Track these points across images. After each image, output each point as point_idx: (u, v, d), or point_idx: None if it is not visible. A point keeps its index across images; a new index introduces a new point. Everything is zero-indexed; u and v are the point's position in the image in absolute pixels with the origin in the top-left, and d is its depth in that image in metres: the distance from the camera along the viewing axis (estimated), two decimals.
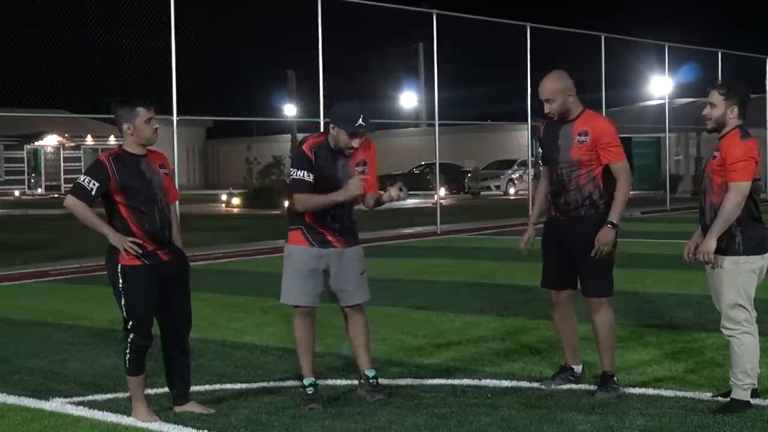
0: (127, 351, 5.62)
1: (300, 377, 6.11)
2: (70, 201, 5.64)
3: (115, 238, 5.59)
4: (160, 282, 5.64)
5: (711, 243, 5.53)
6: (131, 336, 5.60)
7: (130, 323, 5.59)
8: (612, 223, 5.93)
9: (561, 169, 6.06)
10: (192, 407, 5.83)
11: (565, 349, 6.38)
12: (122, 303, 5.60)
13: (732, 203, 5.49)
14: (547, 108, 6.08)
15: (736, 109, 5.65)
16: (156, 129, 5.74)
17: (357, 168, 6.00)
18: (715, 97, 5.67)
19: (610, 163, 5.99)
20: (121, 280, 5.59)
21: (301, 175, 5.91)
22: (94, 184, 5.59)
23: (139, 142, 5.69)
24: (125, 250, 5.54)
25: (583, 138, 6.00)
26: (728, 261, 5.58)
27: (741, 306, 5.57)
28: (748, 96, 5.73)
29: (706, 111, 5.71)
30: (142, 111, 5.66)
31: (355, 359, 6.20)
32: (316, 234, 5.99)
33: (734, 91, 5.69)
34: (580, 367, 6.34)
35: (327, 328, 8.62)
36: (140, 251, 5.57)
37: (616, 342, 6.30)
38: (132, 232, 5.61)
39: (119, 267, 5.59)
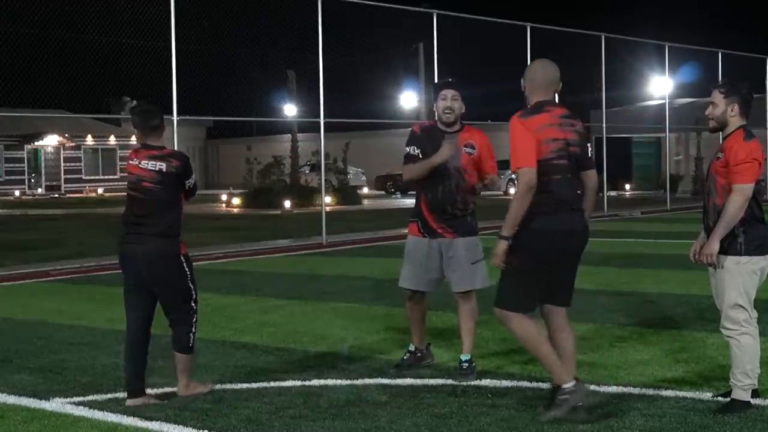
0: (195, 330, 6.19)
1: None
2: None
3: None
4: None
5: (714, 245, 5.53)
6: (198, 316, 6.20)
7: (196, 303, 6.18)
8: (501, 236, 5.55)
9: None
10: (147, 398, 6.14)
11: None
12: (192, 287, 6.12)
13: (735, 205, 5.49)
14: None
15: (736, 107, 5.64)
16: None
17: (465, 149, 6.49)
18: (716, 96, 5.67)
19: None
20: (186, 264, 6.09)
21: (409, 150, 6.62)
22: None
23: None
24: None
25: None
26: (730, 261, 5.58)
27: (741, 306, 5.57)
28: (750, 95, 5.72)
29: (708, 111, 5.71)
30: None
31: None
32: (428, 226, 6.60)
33: (734, 89, 5.69)
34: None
35: (329, 328, 8.63)
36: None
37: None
38: (181, 222, 6.17)
39: (182, 256, 6.09)
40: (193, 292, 6.16)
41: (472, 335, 6.67)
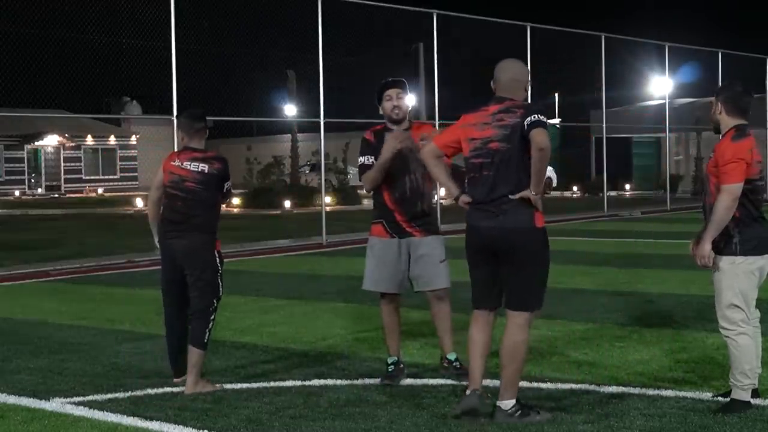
0: (212, 326, 6.46)
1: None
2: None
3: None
4: None
5: (705, 246, 5.52)
6: (216, 314, 6.47)
7: (218, 301, 6.45)
8: None
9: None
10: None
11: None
12: (220, 284, 6.45)
13: (723, 206, 5.47)
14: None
15: (720, 106, 5.67)
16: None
17: (422, 142, 6.18)
18: (713, 97, 5.76)
19: None
20: (218, 261, 6.44)
21: (363, 160, 6.50)
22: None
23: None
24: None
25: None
26: (725, 261, 5.57)
27: (737, 306, 5.55)
28: (739, 94, 5.67)
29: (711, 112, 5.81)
30: None
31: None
32: (397, 225, 6.45)
33: (722, 89, 5.76)
34: None
35: (329, 328, 8.62)
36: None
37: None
38: (218, 220, 6.56)
39: (217, 252, 6.44)
40: (220, 289, 6.48)
41: (451, 333, 6.58)
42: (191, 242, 6.37)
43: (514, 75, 5.63)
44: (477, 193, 5.51)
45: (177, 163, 6.49)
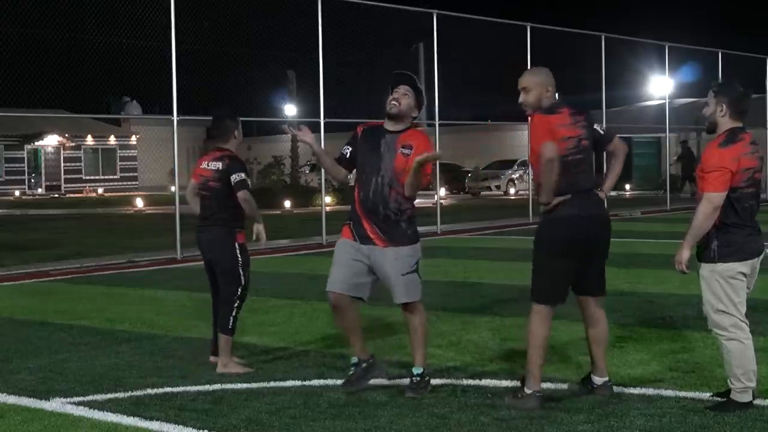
0: (236, 314, 6.98)
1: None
2: (247, 195, 7.00)
3: (261, 228, 7.21)
4: None
5: (683, 252, 5.54)
6: (243, 299, 7.03)
7: (242, 290, 6.99)
8: None
9: None
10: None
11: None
12: (242, 273, 6.98)
13: (702, 213, 5.44)
14: (522, 98, 6.09)
15: (724, 107, 5.54)
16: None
17: (402, 149, 6.14)
18: (710, 96, 5.63)
19: None
20: (239, 253, 6.98)
21: (342, 150, 6.37)
22: (246, 176, 7.05)
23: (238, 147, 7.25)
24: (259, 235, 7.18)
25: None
26: (704, 268, 5.57)
27: (724, 312, 5.53)
28: (743, 96, 5.57)
29: (704, 110, 5.68)
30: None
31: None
32: (361, 230, 6.23)
33: (725, 89, 5.60)
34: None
35: (329, 328, 8.62)
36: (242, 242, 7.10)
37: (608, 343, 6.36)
38: (242, 215, 7.08)
39: (237, 244, 7.00)
40: (242, 278, 6.98)
41: (423, 347, 6.27)
42: (212, 235, 7.04)
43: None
44: (583, 184, 5.75)
45: (204, 165, 7.14)
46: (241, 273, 6.99)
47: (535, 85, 5.96)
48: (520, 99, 6.05)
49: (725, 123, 5.57)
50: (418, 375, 6.20)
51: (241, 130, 7.31)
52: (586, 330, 6.07)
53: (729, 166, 5.41)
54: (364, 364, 6.33)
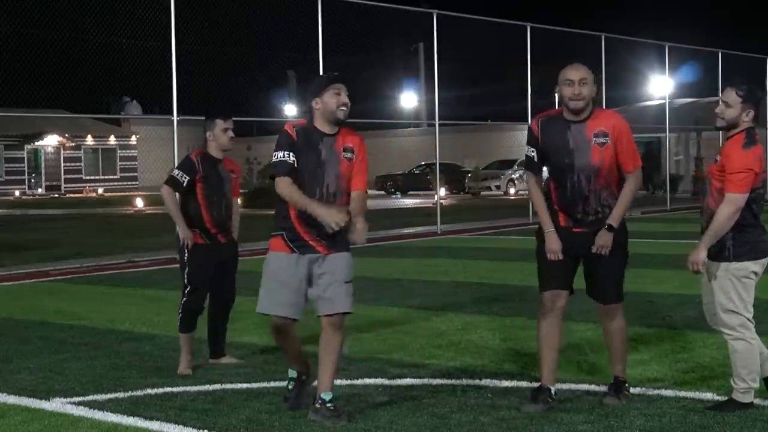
0: (180, 312, 6.97)
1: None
2: (165, 190, 6.85)
3: (184, 232, 6.88)
4: (217, 260, 7.02)
5: (701, 253, 5.47)
6: (185, 299, 6.96)
7: (188, 288, 6.94)
8: (611, 226, 6.03)
9: (578, 175, 5.84)
10: (226, 360, 7.19)
11: (545, 366, 5.80)
12: (186, 272, 6.93)
13: (725, 214, 5.42)
14: (576, 90, 5.71)
15: (752, 114, 5.53)
16: (231, 138, 6.98)
17: (344, 154, 5.57)
18: (732, 96, 5.51)
19: (629, 172, 6.06)
20: (187, 253, 6.89)
21: (281, 155, 5.52)
22: (184, 177, 6.82)
23: (219, 147, 6.96)
24: (185, 244, 6.87)
25: (602, 140, 5.86)
26: (718, 267, 5.55)
27: (734, 312, 5.52)
28: (764, 99, 5.63)
29: (719, 109, 5.55)
30: (219, 122, 6.91)
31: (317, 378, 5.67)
32: (299, 238, 5.56)
33: (754, 96, 5.53)
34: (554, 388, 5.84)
35: None
36: (193, 242, 6.91)
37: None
38: (202, 216, 6.91)
39: (181, 245, 6.91)
40: (184, 278, 6.96)
41: (334, 370, 5.57)
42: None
43: None
44: None
45: None
46: (182, 273, 6.99)
47: (591, 79, 5.82)
48: (575, 92, 5.78)
49: (745, 124, 5.56)
50: (330, 401, 5.52)
51: (219, 131, 6.87)
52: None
53: (754, 167, 5.42)
54: (304, 377, 5.90)
